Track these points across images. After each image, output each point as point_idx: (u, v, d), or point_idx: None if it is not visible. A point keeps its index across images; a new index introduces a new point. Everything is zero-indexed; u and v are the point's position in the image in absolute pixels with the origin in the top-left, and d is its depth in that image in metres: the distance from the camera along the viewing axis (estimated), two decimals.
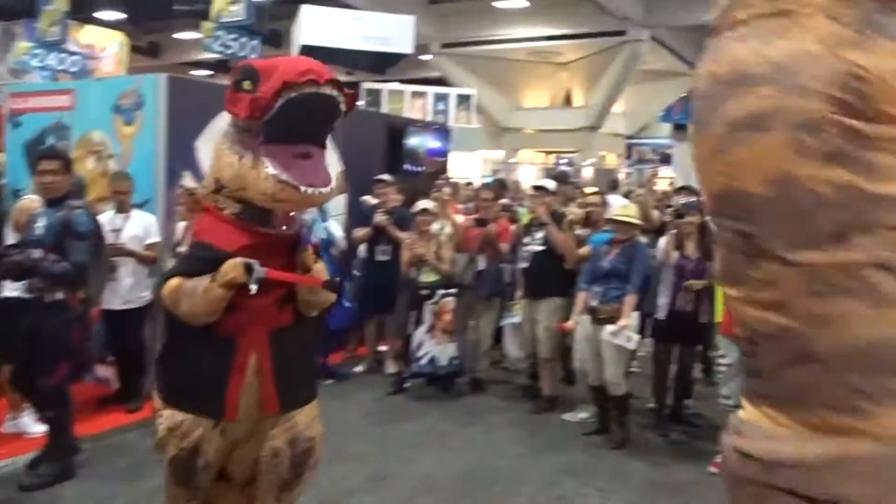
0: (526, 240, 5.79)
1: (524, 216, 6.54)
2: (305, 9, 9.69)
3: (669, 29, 16.90)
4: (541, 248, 5.62)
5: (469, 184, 9.63)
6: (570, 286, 5.51)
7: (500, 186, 7.95)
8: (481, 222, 5.83)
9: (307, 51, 9.55)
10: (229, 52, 7.73)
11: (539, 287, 5.66)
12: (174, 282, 2.52)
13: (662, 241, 5.27)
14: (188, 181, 5.34)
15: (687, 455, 4.90)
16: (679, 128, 24.93)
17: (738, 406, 3.98)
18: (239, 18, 7.77)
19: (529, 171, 17.16)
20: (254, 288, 2.41)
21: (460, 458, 4.71)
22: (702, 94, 1.18)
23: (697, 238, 5.10)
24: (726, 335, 4.53)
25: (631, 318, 4.82)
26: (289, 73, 2.26)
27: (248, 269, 2.41)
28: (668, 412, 5.40)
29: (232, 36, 7.75)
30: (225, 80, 4.23)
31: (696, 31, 18.36)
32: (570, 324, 5.18)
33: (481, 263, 5.94)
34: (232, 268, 2.41)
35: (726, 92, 1.11)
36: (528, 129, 19.94)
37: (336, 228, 6.30)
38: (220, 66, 22.57)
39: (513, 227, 6.31)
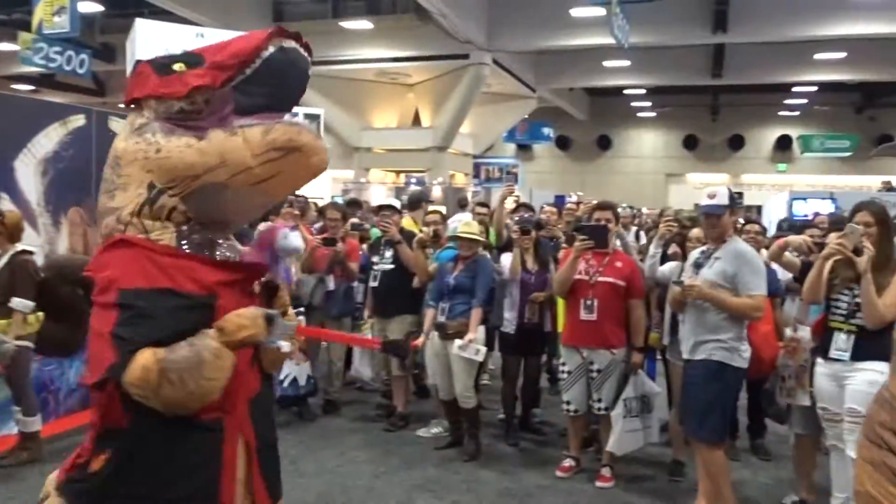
0: (375, 259, 5.81)
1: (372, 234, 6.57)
2: (140, 22, 9.20)
3: (509, 54, 17.66)
4: (390, 266, 5.66)
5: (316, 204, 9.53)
6: (419, 304, 5.60)
7: (353, 205, 7.95)
8: (329, 241, 5.78)
9: None
10: (53, 65, 7.23)
11: (389, 305, 5.69)
12: (146, 357, 1.76)
13: (506, 258, 5.46)
14: (5, 204, 4.90)
15: (535, 462, 5.09)
16: (522, 147, 26.07)
17: (577, 411, 4.29)
18: (63, 30, 7.28)
19: (380, 191, 17.23)
20: (285, 346, 1.97)
21: (314, 481, 4.62)
22: None
23: (534, 252, 5.36)
24: (567, 344, 4.76)
25: (478, 332, 4.96)
26: (256, 36, 1.94)
27: (269, 320, 1.89)
28: (517, 422, 5.58)
29: (56, 48, 7.24)
30: (52, 97, 3.93)
31: (535, 56, 19.38)
32: (420, 340, 5.24)
33: (331, 284, 5.89)
34: (249, 320, 1.87)
35: None
36: (378, 149, 20.06)
37: None
38: (44, 81, 21.02)
39: (363, 246, 6.33)
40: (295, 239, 5.37)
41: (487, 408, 5.70)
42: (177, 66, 1.97)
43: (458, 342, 4.87)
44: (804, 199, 13.87)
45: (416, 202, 7.28)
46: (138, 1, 14.25)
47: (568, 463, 4.87)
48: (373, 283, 5.81)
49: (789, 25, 14.59)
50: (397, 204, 6.94)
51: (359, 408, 6.28)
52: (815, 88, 22.53)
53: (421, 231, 5.72)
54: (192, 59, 1.99)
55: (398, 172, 20.66)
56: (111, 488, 1.86)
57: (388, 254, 5.71)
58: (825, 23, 13.91)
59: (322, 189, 11.12)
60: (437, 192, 14.35)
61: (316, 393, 5.99)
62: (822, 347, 3.75)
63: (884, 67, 17.75)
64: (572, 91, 23.20)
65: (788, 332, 4.26)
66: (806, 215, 11.73)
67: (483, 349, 4.96)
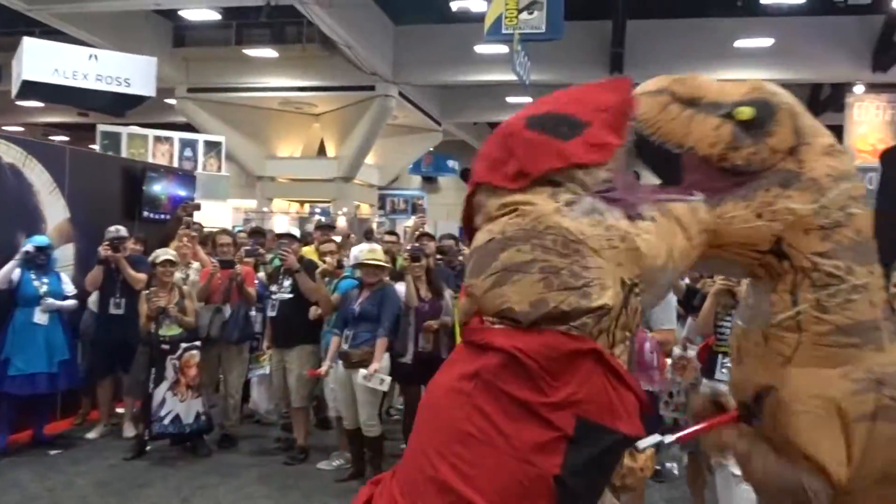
0: (273, 288, 5.70)
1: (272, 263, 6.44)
2: (28, 42, 8.79)
3: (415, 87, 17.88)
4: (289, 295, 5.55)
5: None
6: (318, 333, 5.50)
7: (257, 234, 7.79)
8: (227, 263, 5.63)
9: (29, 87, 8.65)
10: None
11: (288, 335, 5.57)
12: None
13: (400, 287, 5.37)
14: None
15: None
16: (427, 180, 26.32)
17: None
18: None
19: (283, 221, 16.94)
20: None
21: None
22: None
23: (427, 280, 5.36)
24: None
25: (383, 361, 4.91)
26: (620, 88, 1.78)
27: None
28: None
29: None
30: None
31: (440, 90, 19.69)
32: (322, 369, 5.14)
33: (227, 312, 5.71)
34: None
35: None
36: (282, 178, 19.77)
37: (65, 281, 5.74)
38: None
39: (260, 275, 6.20)
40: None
41: (391, 438, 5.63)
42: (563, 131, 1.68)
43: (362, 372, 4.81)
44: None
45: (324, 231, 7.22)
46: (28, 20, 13.61)
47: None
48: (271, 313, 5.67)
49: (680, 69, 15.40)
50: (297, 233, 6.87)
51: (257, 442, 6.07)
52: None
53: (323, 261, 5.64)
54: (565, 119, 1.72)
55: (302, 202, 20.41)
56: None
57: (287, 283, 5.60)
58: (715, 68, 14.79)
59: (223, 218, 10.84)
60: (341, 223, 14.25)
61: (211, 429, 5.76)
62: (707, 369, 3.93)
63: None
64: (476, 125, 23.68)
65: (677, 350, 4.43)
66: None
67: (388, 379, 4.91)
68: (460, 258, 6.66)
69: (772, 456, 1.76)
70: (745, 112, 1.73)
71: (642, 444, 1.54)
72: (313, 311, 5.42)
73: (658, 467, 5.42)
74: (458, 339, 5.08)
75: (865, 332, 1.76)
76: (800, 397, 1.71)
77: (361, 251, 5.43)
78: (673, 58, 15.22)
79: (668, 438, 1.59)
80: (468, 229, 1.92)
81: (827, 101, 16.62)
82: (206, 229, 7.34)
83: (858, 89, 14.05)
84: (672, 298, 4.09)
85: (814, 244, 1.74)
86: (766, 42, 15.16)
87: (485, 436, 1.52)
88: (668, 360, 4.44)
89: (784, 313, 1.61)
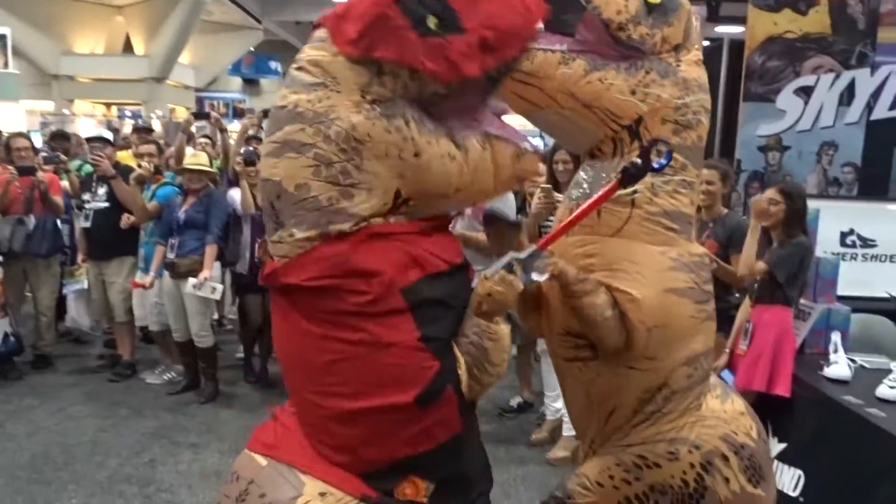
0: (87, 196, 5.23)
1: (82, 170, 5.90)
2: None
3: None
4: (104, 204, 5.12)
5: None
6: (137, 243, 5.17)
7: (61, 138, 6.96)
8: (25, 170, 5.06)
9: None
10: None
11: (106, 247, 5.19)
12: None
13: (236, 192, 5.15)
14: None
15: (278, 396, 5.04)
16: (249, 82, 25.00)
17: None
18: None
19: (89, 124, 15.39)
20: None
21: (27, 443, 4.13)
22: None
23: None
24: None
25: (213, 269, 4.72)
26: (532, 6, 1.61)
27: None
28: (263, 363, 5.40)
29: None
30: None
31: None
32: (148, 280, 4.86)
33: (31, 223, 5.17)
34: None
35: None
36: (83, 78, 17.86)
37: None
38: None
39: (64, 184, 5.66)
40: None
41: (224, 348, 5.50)
42: (431, 23, 1.52)
43: (192, 281, 4.60)
44: None
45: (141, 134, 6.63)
46: None
47: None
48: (84, 224, 5.23)
49: None
50: (110, 135, 6.29)
51: (77, 360, 5.70)
52: None
53: (139, 166, 5.19)
54: (446, 14, 1.53)
55: (109, 105, 18.66)
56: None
57: (102, 191, 5.16)
58: None
59: (16, 122, 9.65)
60: (157, 127, 13.22)
61: (22, 350, 5.32)
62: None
63: None
64: (300, 24, 22.58)
65: None
66: None
67: (219, 287, 4.74)
68: None
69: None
70: None
71: (489, 271, 1.62)
72: (125, 220, 5.04)
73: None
74: None
75: (683, 223, 1.96)
76: (621, 262, 1.89)
77: (186, 156, 5.09)
78: None
79: (522, 255, 1.65)
80: None
81: None
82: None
83: None
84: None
85: (665, 134, 1.90)
86: None
87: (341, 354, 1.58)
88: None
89: (622, 190, 1.73)
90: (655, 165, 1.67)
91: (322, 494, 1.61)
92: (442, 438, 1.64)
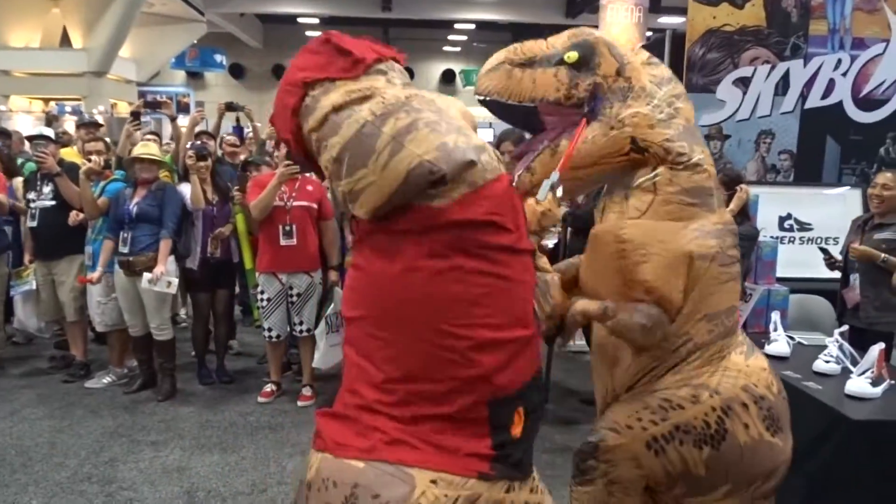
0: (31, 196, 5.13)
1: (26, 168, 5.78)
2: None
3: None
4: (51, 203, 5.04)
5: None
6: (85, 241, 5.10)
7: (3, 135, 6.76)
8: None
9: None
10: None
11: (54, 245, 5.12)
12: None
13: (186, 188, 5.05)
14: None
15: (236, 392, 5.05)
16: (193, 76, 24.51)
17: (279, 337, 4.36)
18: None
19: (27, 121, 14.91)
20: None
21: None
22: None
23: (212, 182, 5.12)
24: (265, 271, 4.73)
25: (168, 263, 4.70)
26: None
27: None
28: (217, 363, 5.37)
29: None
30: None
31: None
32: (94, 275, 4.80)
33: None
34: None
35: None
36: (18, 72, 17.28)
37: None
38: None
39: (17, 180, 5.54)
40: None
41: (182, 348, 5.46)
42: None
43: (147, 276, 4.56)
44: None
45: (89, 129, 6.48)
46: None
47: (269, 388, 4.92)
48: (31, 223, 5.13)
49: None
50: (51, 133, 6.16)
51: (28, 363, 5.60)
52: (473, 26, 24.45)
53: (88, 160, 5.10)
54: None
55: (47, 100, 18.09)
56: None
57: (48, 189, 5.07)
58: None
59: None
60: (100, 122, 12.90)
61: None
62: None
63: (529, 11, 19.89)
64: (244, 17, 22.21)
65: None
66: None
67: (175, 281, 4.71)
68: (242, 156, 6.39)
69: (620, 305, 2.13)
70: (573, 56, 2.09)
71: (539, 194, 1.97)
72: (73, 217, 4.96)
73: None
74: (245, 243, 5.04)
75: (703, 196, 2.18)
76: (649, 242, 2.09)
77: (136, 147, 5.02)
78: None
79: (555, 176, 1.98)
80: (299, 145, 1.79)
81: (583, 2, 17.75)
82: None
83: None
84: None
85: (661, 133, 2.13)
86: None
87: (492, 287, 1.69)
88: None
89: (644, 177, 2.07)
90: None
91: (433, 482, 1.62)
92: (537, 366, 1.80)
